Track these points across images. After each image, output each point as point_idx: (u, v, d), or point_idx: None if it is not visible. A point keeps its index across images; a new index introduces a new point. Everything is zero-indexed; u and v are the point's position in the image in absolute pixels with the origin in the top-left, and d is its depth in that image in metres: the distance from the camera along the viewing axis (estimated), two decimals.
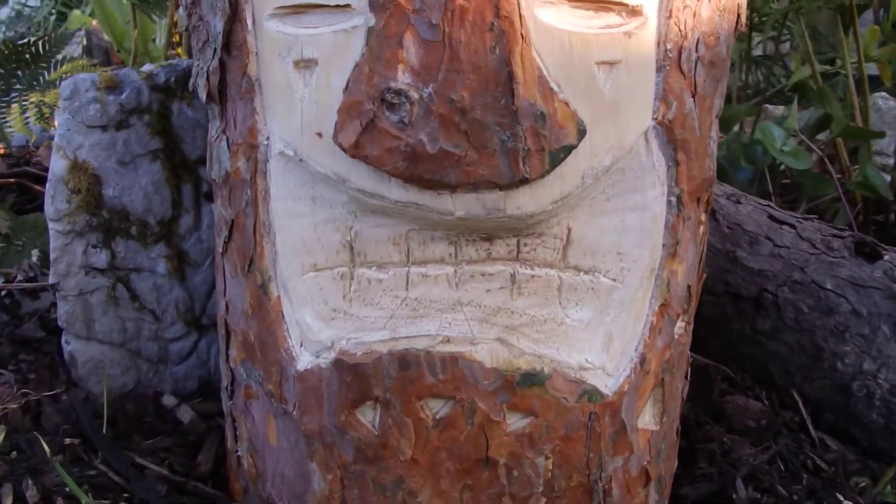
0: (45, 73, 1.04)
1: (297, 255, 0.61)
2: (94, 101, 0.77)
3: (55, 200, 0.76)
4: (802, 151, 1.17)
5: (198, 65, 0.66)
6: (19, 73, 1.03)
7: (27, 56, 1.02)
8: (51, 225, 0.77)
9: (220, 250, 0.67)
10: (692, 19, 0.61)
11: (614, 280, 0.62)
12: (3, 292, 0.89)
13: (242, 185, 0.63)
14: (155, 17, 1.14)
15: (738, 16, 0.67)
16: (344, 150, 0.56)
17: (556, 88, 0.56)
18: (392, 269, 0.60)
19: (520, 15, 0.54)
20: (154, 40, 1.28)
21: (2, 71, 1.02)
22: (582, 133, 0.56)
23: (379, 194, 0.58)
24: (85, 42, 1.62)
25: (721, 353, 0.91)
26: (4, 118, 0.99)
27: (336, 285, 0.61)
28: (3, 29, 1.16)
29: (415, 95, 0.54)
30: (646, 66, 0.60)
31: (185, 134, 0.80)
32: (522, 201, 0.57)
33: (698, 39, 0.62)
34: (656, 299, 0.64)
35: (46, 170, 1.28)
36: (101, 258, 0.78)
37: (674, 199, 0.63)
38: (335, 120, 0.56)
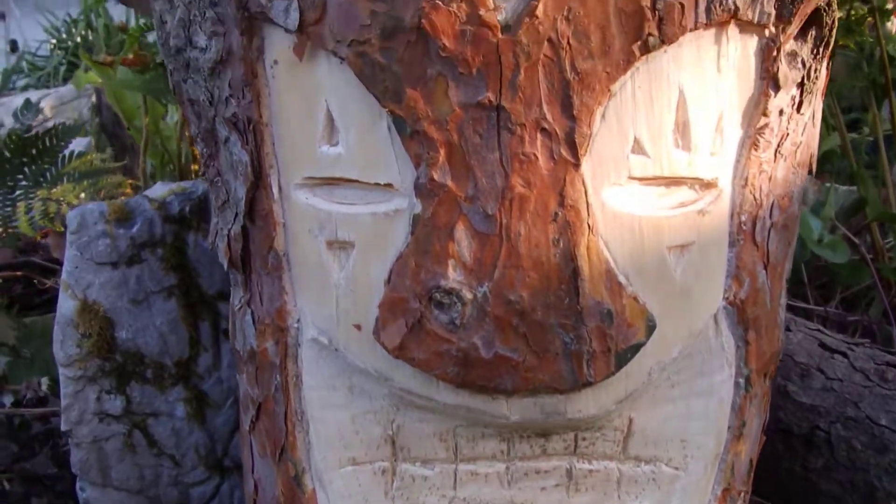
0: (52, 168, 0.98)
1: (333, 447, 0.55)
2: (104, 236, 0.71)
3: (64, 345, 0.70)
4: (841, 243, 1.10)
5: (216, 223, 0.60)
6: (25, 168, 0.97)
7: (33, 151, 0.96)
8: (61, 370, 0.71)
9: (247, 427, 0.61)
10: (768, 184, 0.55)
11: (677, 469, 0.56)
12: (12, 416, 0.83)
13: (271, 368, 0.57)
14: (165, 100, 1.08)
15: (811, 166, 0.61)
16: (387, 350, 0.50)
17: (624, 282, 0.50)
18: (438, 466, 0.54)
19: (587, 202, 0.48)
20: (165, 118, 1.22)
21: (8, 166, 0.97)
22: (651, 329, 0.50)
23: (426, 396, 0.52)
24: (94, 100, 1.56)
25: (771, 493, 0.86)
26: (11, 218, 0.93)
27: (377, 481, 0.55)
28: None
29: (468, 295, 0.48)
30: (720, 244, 0.54)
31: (202, 268, 0.74)
32: (584, 404, 0.51)
33: (773, 204, 0.56)
34: (719, 484, 0.58)
35: (53, 261, 1.24)
36: (115, 404, 0.72)
37: (742, 380, 0.57)
38: (375, 314, 0.51)
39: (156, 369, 0.73)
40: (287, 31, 0.51)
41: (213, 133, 0.57)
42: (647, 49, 0.48)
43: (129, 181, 1.11)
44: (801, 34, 0.54)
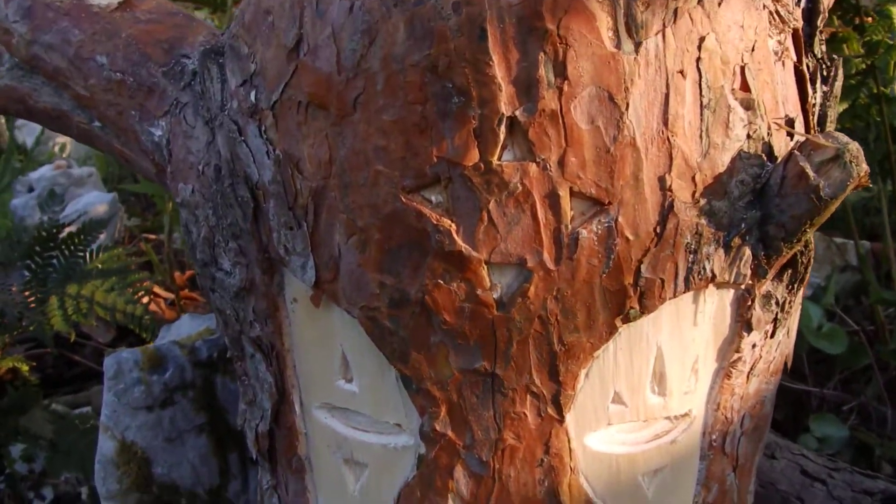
0: (82, 262, 1.04)
1: None
2: (139, 383, 0.78)
3: (106, 482, 0.79)
4: (839, 332, 1.15)
5: (244, 411, 0.67)
6: (54, 261, 1.04)
7: (63, 245, 1.02)
8: (102, 503, 0.79)
9: None
10: (740, 402, 0.61)
11: None
12: None
13: None
14: None
15: (786, 363, 0.66)
16: None
17: None
18: None
19: (569, 449, 0.54)
20: None
21: (39, 260, 1.03)
22: None
23: None
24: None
25: None
26: (44, 312, 1.00)
27: None
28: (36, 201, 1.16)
29: None
30: (690, 462, 0.60)
31: (230, 406, 0.81)
32: None
33: (744, 416, 0.62)
34: None
35: (83, 335, 1.31)
36: None
37: None
38: None
39: (189, 498, 0.82)
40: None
41: (240, 344, 0.64)
42: (628, 320, 0.53)
43: (154, 285, 1.18)
44: (778, 275, 0.59)
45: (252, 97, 0.58)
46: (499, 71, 0.49)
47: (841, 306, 1.33)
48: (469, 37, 0.49)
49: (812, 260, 0.60)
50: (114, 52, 0.72)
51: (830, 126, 0.68)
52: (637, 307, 0.53)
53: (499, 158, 0.50)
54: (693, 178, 0.52)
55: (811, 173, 0.52)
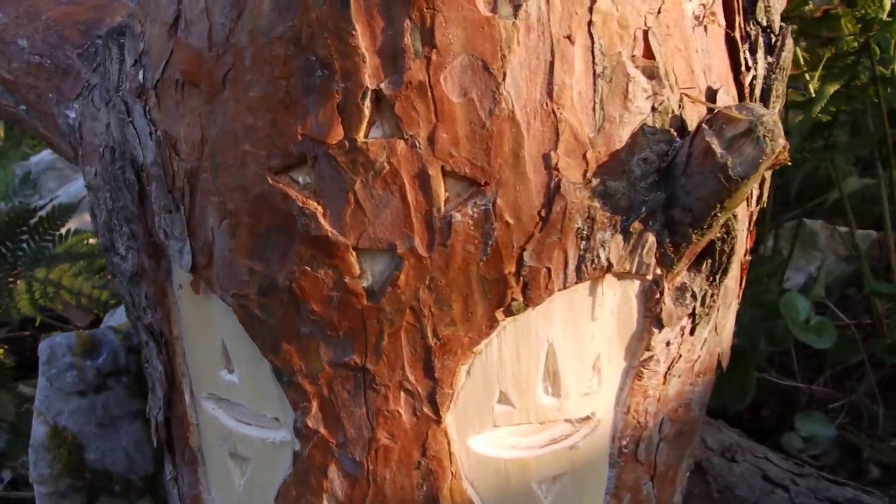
0: (51, 245, 1.05)
1: None
2: (72, 368, 0.77)
3: (37, 466, 0.78)
4: (828, 325, 1.06)
5: (150, 400, 0.65)
6: (24, 245, 1.05)
7: (34, 230, 1.03)
8: (35, 487, 0.79)
9: None
10: (656, 405, 0.55)
11: None
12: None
13: None
14: None
15: (720, 363, 0.60)
16: None
17: None
18: None
19: (449, 452, 0.50)
20: None
21: (9, 244, 1.04)
22: None
23: None
24: None
25: None
26: (11, 296, 1.01)
27: None
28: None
29: None
30: (595, 468, 0.55)
31: None
32: None
33: (662, 421, 0.56)
34: None
35: (62, 318, 1.32)
36: None
37: None
38: None
39: (123, 485, 0.80)
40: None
41: (138, 329, 0.62)
42: (511, 313, 0.48)
43: None
44: (696, 265, 0.53)
45: (140, 77, 0.56)
46: (363, 41, 0.45)
47: (837, 298, 1.24)
48: (332, 5, 0.45)
49: (735, 249, 0.54)
50: (34, 35, 0.70)
51: (777, 102, 0.62)
52: (520, 299, 0.48)
53: (366, 135, 0.46)
54: (584, 156, 0.47)
55: (718, 150, 0.46)
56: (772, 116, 0.46)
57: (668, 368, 0.55)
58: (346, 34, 0.45)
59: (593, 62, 0.47)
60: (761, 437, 1.19)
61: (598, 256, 0.48)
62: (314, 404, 0.50)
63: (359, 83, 0.46)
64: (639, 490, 0.57)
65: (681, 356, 0.56)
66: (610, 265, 0.49)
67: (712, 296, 0.55)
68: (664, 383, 0.56)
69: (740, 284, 0.64)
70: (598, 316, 0.51)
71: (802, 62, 1.30)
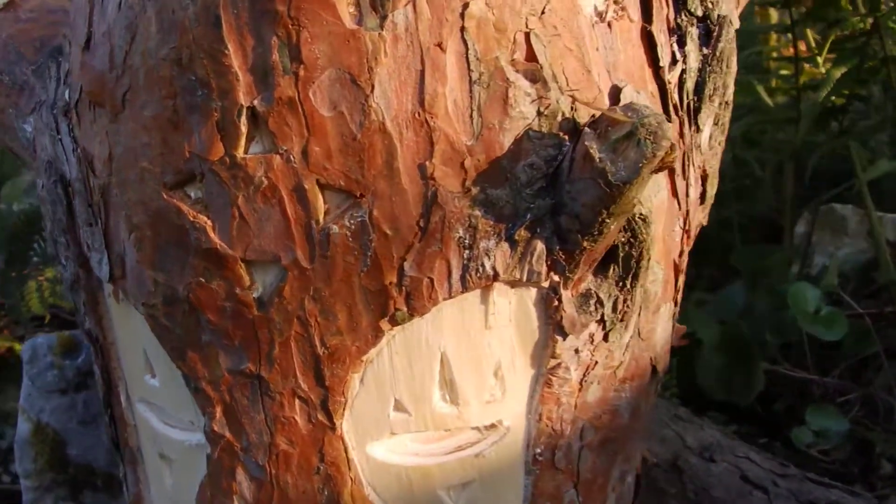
0: None
1: None
2: (52, 367, 0.82)
3: (22, 461, 0.83)
4: (839, 316, 1.02)
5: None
6: (36, 245, 1.11)
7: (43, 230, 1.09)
8: (21, 481, 0.84)
9: None
10: (573, 411, 0.54)
11: None
12: None
13: None
14: None
15: (654, 368, 0.59)
16: None
17: None
18: None
19: (347, 458, 0.51)
20: None
21: (21, 244, 1.10)
22: None
23: None
24: None
25: None
26: (22, 296, 1.07)
27: None
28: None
29: None
30: (508, 477, 0.54)
31: None
32: None
33: (582, 428, 0.55)
34: None
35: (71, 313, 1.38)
36: None
37: None
38: None
39: (105, 479, 0.85)
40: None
41: (83, 334, 0.65)
42: (395, 323, 0.49)
43: None
44: (602, 271, 0.52)
45: (66, 95, 0.58)
46: (235, 60, 0.46)
47: (863, 285, 1.18)
48: (205, 25, 0.46)
49: (645, 254, 0.52)
50: None
51: (716, 96, 0.59)
52: (404, 308, 0.48)
53: (245, 151, 0.47)
54: (462, 164, 0.47)
55: (597, 154, 0.45)
56: (658, 117, 0.45)
57: (584, 375, 0.54)
58: (219, 54, 0.46)
59: (468, 69, 0.46)
60: (775, 431, 1.16)
61: (483, 265, 0.48)
62: (218, 409, 0.52)
63: (234, 101, 0.47)
64: (559, 498, 0.56)
65: (597, 363, 0.55)
66: (496, 274, 0.48)
67: (625, 301, 0.53)
68: (580, 390, 0.55)
69: (676, 287, 0.62)
70: (492, 324, 0.51)
71: (814, 45, 1.25)
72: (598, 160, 0.45)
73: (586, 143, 0.45)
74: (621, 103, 0.51)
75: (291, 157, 0.47)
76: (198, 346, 0.52)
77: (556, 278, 0.50)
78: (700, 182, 0.63)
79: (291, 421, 0.51)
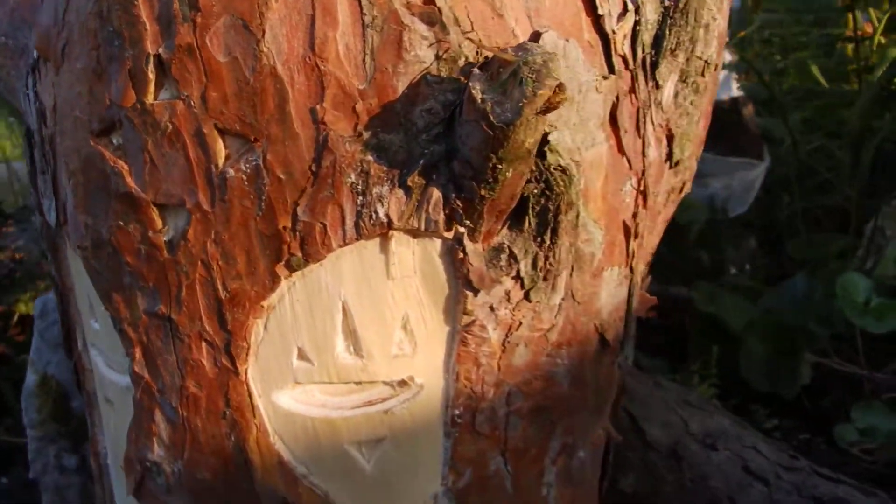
0: None
1: None
2: (59, 322, 0.87)
3: (28, 411, 0.89)
4: (891, 308, 0.93)
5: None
6: None
7: None
8: (28, 430, 0.90)
9: None
10: (496, 374, 0.53)
11: None
12: None
13: (97, 481, 0.68)
14: None
15: (603, 337, 0.56)
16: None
17: (303, 472, 0.53)
18: None
19: (251, 405, 0.52)
20: None
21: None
22: None
23: None
24: None
25: None
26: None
27: None
28: None
29: (167, 469, 0.55)
30: (425, 437, 0.53)
31: None
32: None
33: (508, 393, 0.53)
34: None
35: None
36: (71, 461, 0.89)
37: None
38: None
39: None
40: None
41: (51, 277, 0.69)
42: (292, 268, 0.49)
43: None
44: (517, 224, 0.50)
45: (34, 54, 0.62)
46: (143, 10, 0.48)
47: None
48: None
49: (569, 208, 0.50)
50: (2, 19, 0.80)
51: (680, 51, 0.56)
52: (299, 254, 0.48)
53: (155, 98, 0.49)
54: (353, 108, 0.46)
55: (479, 95, 0.43)
56: (548, 55, 0.43)
57: (506, 336, 0.53)
58: (130, 5, 0.48)
59: (361, 12, 0.46)
60: (822, 427, 1.08)
61: (377, 212, 0.47)
62: (138, 351, 0.54)
63: (143, 50, 0.48)
64: (484, 464, 0.55)
65: (521, 323, 0.53)
66: (391, 221, 0.48)
67: (547, 259, 0.51)
68: (504, 352, 0.53)
69: (628, 251, 0.59)
70: (395, 275, 0.50)
71: (876, 23, 1.16)
72: (479, 101, 0.43)
73: (471, 84, 0.44)
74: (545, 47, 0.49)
75: (192, 102, 0.48)
76: (121, 288, 0.54)
77: (461, 230, 0.49)
78: (666, 142, 0.60)
79: (199, 364, 0.52)
